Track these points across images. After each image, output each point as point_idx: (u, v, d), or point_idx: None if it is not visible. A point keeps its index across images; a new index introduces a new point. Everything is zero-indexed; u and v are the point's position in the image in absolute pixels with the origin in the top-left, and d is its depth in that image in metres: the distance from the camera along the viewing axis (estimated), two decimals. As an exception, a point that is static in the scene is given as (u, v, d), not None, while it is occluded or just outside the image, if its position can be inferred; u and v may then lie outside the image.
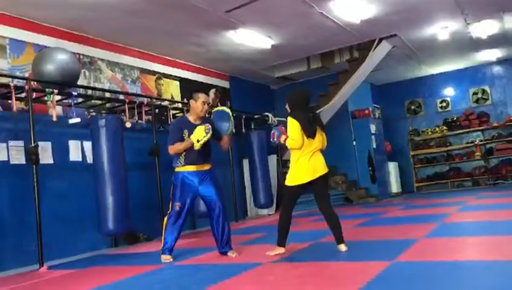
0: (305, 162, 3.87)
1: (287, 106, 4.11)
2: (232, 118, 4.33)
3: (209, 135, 4.10)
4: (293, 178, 3.92)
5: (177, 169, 4.30)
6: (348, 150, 10.54)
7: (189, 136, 4.17)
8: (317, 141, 3.95)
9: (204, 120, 4.34)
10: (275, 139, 4.05)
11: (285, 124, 4.05)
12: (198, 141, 4.08)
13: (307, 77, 10.54)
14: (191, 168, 4.24)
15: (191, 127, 4.20)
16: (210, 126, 4.15)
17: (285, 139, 3.94)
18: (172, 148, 4.22)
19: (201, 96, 4.31)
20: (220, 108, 4.46)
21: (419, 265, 3.10)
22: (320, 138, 3.99)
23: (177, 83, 8.10)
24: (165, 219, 4.32)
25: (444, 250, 3.61)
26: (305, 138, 3.87)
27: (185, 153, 4.23)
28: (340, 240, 3.84)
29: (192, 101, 4.35)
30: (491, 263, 2.99)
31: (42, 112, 5.43)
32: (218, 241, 4.28)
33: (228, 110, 4.40)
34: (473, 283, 2.55)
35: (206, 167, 4.33)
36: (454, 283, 2.58)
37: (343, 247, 3.81)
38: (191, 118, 4.34)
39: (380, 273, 2.88)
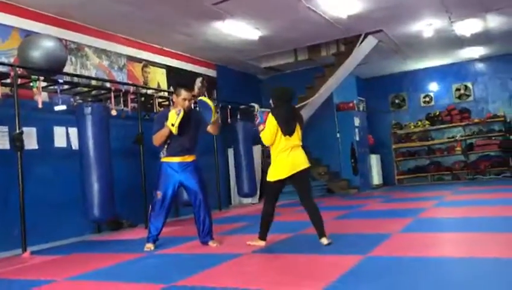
0: (284, 157, 3.98)
1: (271, 101, 4.20)
2: (212, 107, 4.31)
3: (180, 115, 4.17)
4: (273, 174, 4.03)
5: (162, 159, 4.40)
6: (332, 142, 10.71)
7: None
8: (296, 138, 4.05)
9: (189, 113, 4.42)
10: (256, 123, 4.20)
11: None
12: (172, 124, 4.17)
13: (294, 68, 10.63)
14: (173, 159, 4.34)
15: None
16: (181, 108, 4.22)
17: (261, 130, 4.07)
18: (154, 138, 4.35)
19: (183, 94, 4.34)
20: (202, 98, 4.43)
21: (391, 260, 3.25)
22: (298, 135, 4.10)
23: (164, 71, 8.13)
24: (150, 208, 4.44)
25: (416, 245, 3.76)
26: (283, 135, 3.98)
27: (167, 144, 4.33)
28: (322, 234, 3.93)
29: (174, 96, 4.44)
30: (460, 260, 3.14)
31: (28, 98, 5.43)
32: (200, 231, 4.39)
33: (208, 101, 4.37)
34: (440, 279, 2.69)
35: (190, 158, 4.41)
36: (422, 278, 2.72)
37: (325, 240, 3.89)
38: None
39: (352, 267, 3.02)
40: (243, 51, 8.78)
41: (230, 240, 4.69)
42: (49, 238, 5.55)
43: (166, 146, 4.34)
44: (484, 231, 4.13)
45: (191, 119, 4.38)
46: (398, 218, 5.45)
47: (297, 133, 4.08)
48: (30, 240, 4.94)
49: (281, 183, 4.04)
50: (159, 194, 4.34)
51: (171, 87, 7.98)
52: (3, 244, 5.06)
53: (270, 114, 4.04)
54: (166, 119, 4.27)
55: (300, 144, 4.11)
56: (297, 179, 4.04)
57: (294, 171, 3.97)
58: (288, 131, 3.99)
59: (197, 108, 4.54)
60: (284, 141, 4.00)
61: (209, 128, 4.44)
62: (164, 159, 4.37)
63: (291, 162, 3.98)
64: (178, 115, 4.17)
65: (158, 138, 4.30)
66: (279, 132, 3.99)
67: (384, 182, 12.16)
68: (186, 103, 4.33)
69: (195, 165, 4.44)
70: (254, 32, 7.67)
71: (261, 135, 4.07)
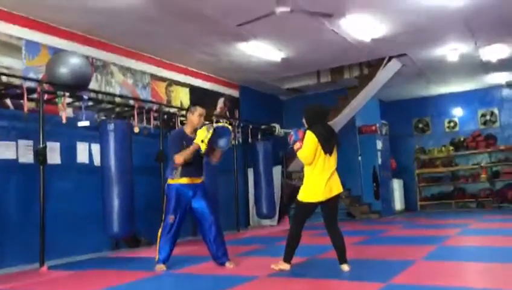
0: (324, 179, 3.79)
1: (304, 120, 4.02)
2: (231, 136, 4.34)
3: (211, 131, 4.13)
4: (309, 194, 3.83)
5: (170, 181, 4.31)
6: (353, 165, 10.56)
7: (187, 146, 4.21)
8: (333, 159, 3.90)
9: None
10: (291, 142, 3.95)
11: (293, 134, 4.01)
12: (202, 141, 4.10)
13: (316, 90, 10.60)
14: (184, 180, 4.28)
15: (188, 139, 4.28)
16: (211, 126, 4.21)
17: (298, 149, 3.86)
18: (180, 157, 4.18)
19: (198, 110, 4.38)
20: (221, 124, 4.44)
21: (414, 288, 3.13)
22: (335, 156, 3.94)
23: (187, 90, 8.20)
24: (159, 231, 4.33)
25: (440, 274, 3.63)
26: (322, 154, 3.81)
27: (183, 165, 4.26)
28: (343, 260, 3.81)
29: (189, 114, 4.43)
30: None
31: (52, 113, 5.52)
32: (214, 253, 4.32)
33: (229, 127, 4.41)
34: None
35: (199, 180, 4.38)
36: (444, 309, 2.61)
37: (346, 267, 3.77)
38: (187, 130, 4.41)
39: (372, 295, 2.92)
40: (266, 72, 8.82)
41: (247, 262, 4.61)
42: (67, 254, 5.56)
43: (179, 168, 4.26)
44: (510, 261, 3.96)
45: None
46: (421, 245, 5.29)
47: (335, 154, 3.93)
48: (48, 254, 4.96)
49: (314, 205, 3.87)
50: (172, 218, 4.26)
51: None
52: (22, 257, 5.10)
53: (309, 131, 3.85)
54: (182, 139, 4.26)
55: (336, 166, 3.94)
56: (329, 204, 3.86)
57: (331, 196, 3.81)
58: (329, 149, 3.83)
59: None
60: (322, 161, 3.82)
61: (215, 155, 4.39)
62: (174, 181, 4.29)
63: (330, 185, 3.81)
64: (208, 131, 4.13)
65: (184, 156, 4.17)
66: (319, 150, 3.81)
67: (406, 208, 11.92)
68: (202, 119, 4.38)
69: (204, 187, 4.42)
70: (277, 54, 7.70)
71: (298, 153, 3.85)
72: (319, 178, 3.81)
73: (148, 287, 3.62)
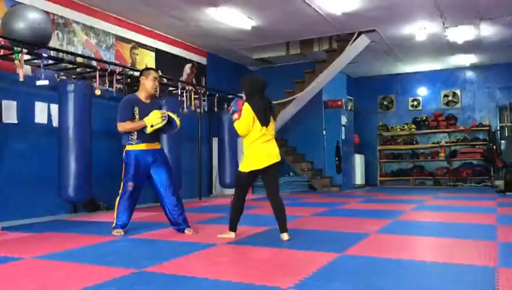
0: (260, 147, 3.89)
1: (243, 93, 4.07)
2: (178, 123, 4.31)
3: (164, 122, 4.13)
4: (248, 164, 3.92)
5: (128, 147, 4.24)
6: (317, 139, 10.70)
7: (139, 114, 4.17)
8: (270, 130, 3.98)
9: (154, 100, 4.40)
10: (230, 112, 4.11)
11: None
12: (152, 126, 4.09)
13: (285, 62, 10.57)
14: (143, 146, 4.23)
15: (142, 106, 4.23)
16: (166, 114, 4.17)
17: (236, 120, 3.95)
18: (123, 126, 4.18)
19: (152, 73, 4.29)
20: (174, 117, 4.30)
21: (365, 260, 3.22)
22: (273, 126, 4.03)
23: (153, 54, 8.00)
24: (117, 198, 4.29)
25: (392, 247, 3.75)
26: (259, 125, 3.88)
27: (136, 131, 4.21)
28: (284, 229, 3.91)
29: (142, 78, 4.32)
30: (434, 264, 3.12)
31: (9, 70, 5.28)
32: (173, 220, 4.31)
33: (178, 123, 4.32)
34: (413, 282, 2.68)
35: (157, 145, 4.35)
36: (395, 280, 2.70)
37: (285, 236, 3.87)
38: (141, 96, 4.32)
39: (326, 265, 2.99)
40: (235, 40, 8.68)
41: (206, 229, 4.63)
42: (23, 215, 5.44)
43: (135, 132, 4.20)
44: (460, 237, 4.13)
45: (155, 106, 4.32)
46: (376, 219, 5.45)
47: (272, 125, 4.02)
48: (3, 215, 4.82)
49: (255, 174, 3.97)
50: (131, 185, 4.22)
51: (159, 71, 7.86)
52: (-26, 218, 4.95)
53: (246, 103, 3.92)
54: (133, 106, 4.17)
55: (274, 136, 4.05)
56: (269, 173, 3.95)
57: (270, 163, 3.89)
58: (265, 121, 3.90)
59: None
60: (259, 131, 3.90)
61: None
62: (133, 147, 4.23)
63: (267, 153, 3.90)
64: (163, 120, 4.10)
65: (128, 128, 4.16)
66: (255, 122, 3.88)
67: (366, 183, 12.21)
68: (156, 83, 4.28)
69: (163, 153, 4.39)
70: (247, 22, 7.57)
71: (235, 125, 3.94)
72: (256, 146, 3.90)
73: (104, 251, 3.58)
